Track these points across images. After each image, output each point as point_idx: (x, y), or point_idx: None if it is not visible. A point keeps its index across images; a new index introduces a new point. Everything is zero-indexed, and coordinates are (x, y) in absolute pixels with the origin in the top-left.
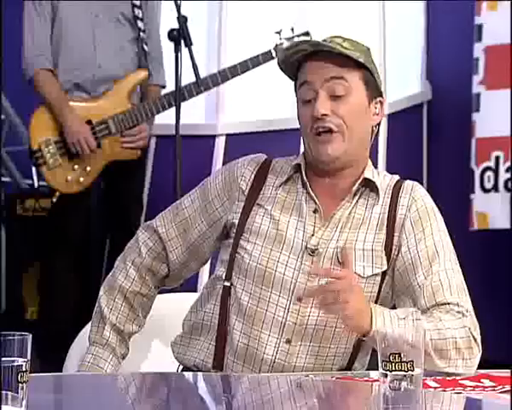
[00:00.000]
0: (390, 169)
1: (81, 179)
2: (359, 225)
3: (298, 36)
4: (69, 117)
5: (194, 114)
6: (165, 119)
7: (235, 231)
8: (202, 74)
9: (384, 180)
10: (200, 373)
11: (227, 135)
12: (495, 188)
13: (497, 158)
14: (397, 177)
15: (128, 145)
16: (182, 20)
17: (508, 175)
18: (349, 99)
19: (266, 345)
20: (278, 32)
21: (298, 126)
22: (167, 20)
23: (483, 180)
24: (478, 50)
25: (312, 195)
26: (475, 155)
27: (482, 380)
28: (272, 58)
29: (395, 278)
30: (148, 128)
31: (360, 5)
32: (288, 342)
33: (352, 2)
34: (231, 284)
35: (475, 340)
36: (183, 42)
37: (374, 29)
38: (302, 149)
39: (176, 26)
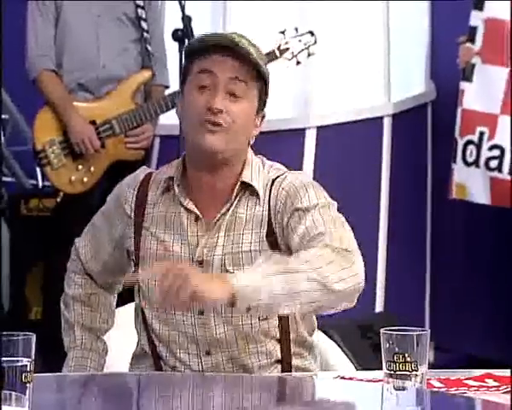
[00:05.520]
0: (394, 169)
1: (85, 179)
2: (243, 226)
3: (302, 35)
4: (73, 117)
5: None
6: (169, 119)
7: (133, 258)
8: None
9: (268, 175)
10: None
11: None
12: (476, 163)
13: (482, 134)
14: (282, 170)
15: (132, 145)
16: (186, 20)
17: (490, 154)
18: (244, 102)
19: (191, 363)
20: (282, 32)
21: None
22: (171, 20)
23: (465, 153)
24: (476, 19)
25: (189, 207)
26: (460, 126)
27: (486, 380)
28: (276, 58)
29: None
30: (151, 128)
31: (364, 5)
32: (208, 353)
33: (355, 1)
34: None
35: (345, 250)
36: (187, 42)
37: (378, 29)
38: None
39: (180, 26)
